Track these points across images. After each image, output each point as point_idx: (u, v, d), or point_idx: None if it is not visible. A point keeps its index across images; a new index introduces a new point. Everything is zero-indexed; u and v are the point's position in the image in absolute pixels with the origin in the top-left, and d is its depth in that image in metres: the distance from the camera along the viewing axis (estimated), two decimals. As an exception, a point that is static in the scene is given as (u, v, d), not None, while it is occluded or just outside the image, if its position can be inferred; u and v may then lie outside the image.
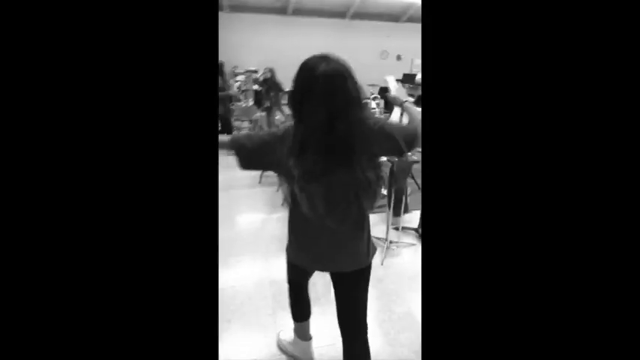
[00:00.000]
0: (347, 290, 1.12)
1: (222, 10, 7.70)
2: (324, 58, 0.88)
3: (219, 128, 4.57)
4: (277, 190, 3.46)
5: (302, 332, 1.46)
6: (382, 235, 2.44)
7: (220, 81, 4.45)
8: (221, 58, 7.89)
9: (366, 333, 1.15)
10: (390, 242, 2.38)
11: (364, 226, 1.06)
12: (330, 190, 0.91)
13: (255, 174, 3.81)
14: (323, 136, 0.87)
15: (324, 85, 0.85)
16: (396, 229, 2.58)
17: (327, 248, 1.04)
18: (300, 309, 1.40)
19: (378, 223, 2.71)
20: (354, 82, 0.90)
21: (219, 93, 4.46)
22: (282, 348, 1.54)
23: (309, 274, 1.31)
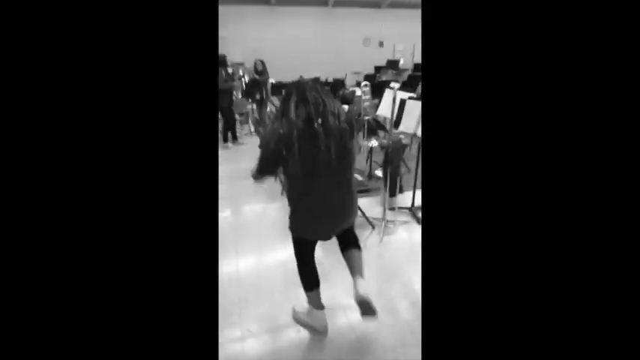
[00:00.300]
0: (351, 231, 1.62)
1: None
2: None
3: (223, 121, 4.65)
4: (275, 180, 3.58)
5: (315, 301, 1.63)
6: (379, 215, 2.61)
7: (224, 73, 4.45)
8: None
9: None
10: (387, 221, 2.55)
11: (352, 189, 1.42)
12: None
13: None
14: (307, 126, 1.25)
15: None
16: (392, 209, 2.75)
17: (333, 216, 1.41)
18: (312, 278, 1.59)
19: (373, 205, 2.88)
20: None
21: (225, 85, 4.47)
22: (298, 320, 1.69)
23: (315, 244, 1.54)
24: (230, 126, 4.70)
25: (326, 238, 1.49)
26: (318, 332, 1.66)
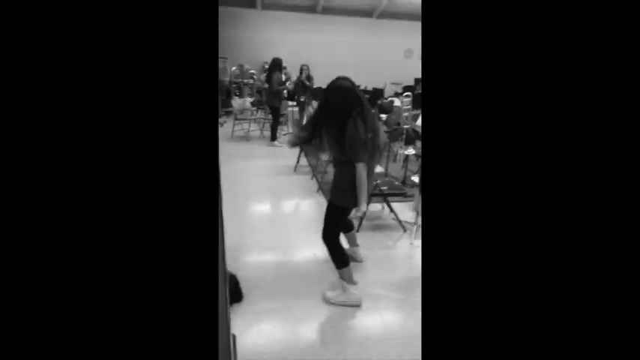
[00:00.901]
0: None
1: (255, 7, 8.06)
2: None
3: (272, 121, 5.06)
4: (311, 178, 3.78)
5: (349, 276, 1.83)
6: (411, 219, 2.74)
7: (279, 76, 4.79)
8: (253, 54, 8.22)
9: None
10: (419, 226, 2.66)
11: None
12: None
13: (292, 163, 4.14)
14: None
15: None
16: (423, 215, 2.85)
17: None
18: (344, 253, 1.87)
19: (406, 209, 3.01)
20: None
21: (279, 87, 4.87)
22: (331, 301, 1.86)
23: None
24: (275, 126, 4.99)
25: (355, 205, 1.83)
26: (355, 306, 1.83)
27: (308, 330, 1.73)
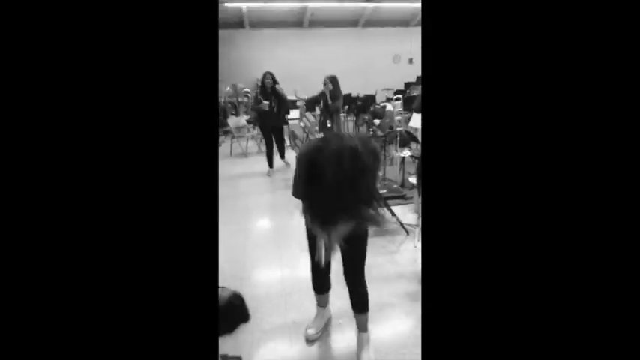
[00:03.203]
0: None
1: (244, 27, 8.21)
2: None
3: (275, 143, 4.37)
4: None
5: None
6: (413, 222, 2.72)
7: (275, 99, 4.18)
8: (245, 73, 8.33)
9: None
10: (421, 228, 2.65)
11: None
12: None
13: (290, 177, 4.12)
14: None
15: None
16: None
17: None
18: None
19: (407, 212, 2.99)
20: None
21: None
22: (315, 337, 1.72)
23: None
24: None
25: None
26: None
27: (318, 344, 1.70)
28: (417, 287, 2.07)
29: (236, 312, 1.63)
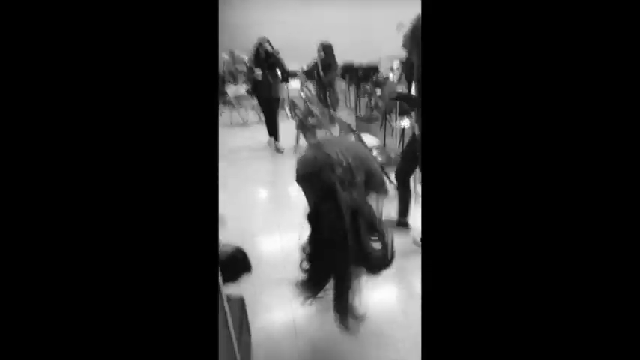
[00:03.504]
0: None
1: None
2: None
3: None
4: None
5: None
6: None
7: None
8: (242, 40, 8.08)
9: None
10: (419, 194, 2.72)
11: None
12: None
13: (291, 144, 4.13)
14: None
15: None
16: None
17: None
18: None
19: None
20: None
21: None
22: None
23: None
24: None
25: None
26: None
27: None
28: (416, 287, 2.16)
29: (238, 264, 1.74)
